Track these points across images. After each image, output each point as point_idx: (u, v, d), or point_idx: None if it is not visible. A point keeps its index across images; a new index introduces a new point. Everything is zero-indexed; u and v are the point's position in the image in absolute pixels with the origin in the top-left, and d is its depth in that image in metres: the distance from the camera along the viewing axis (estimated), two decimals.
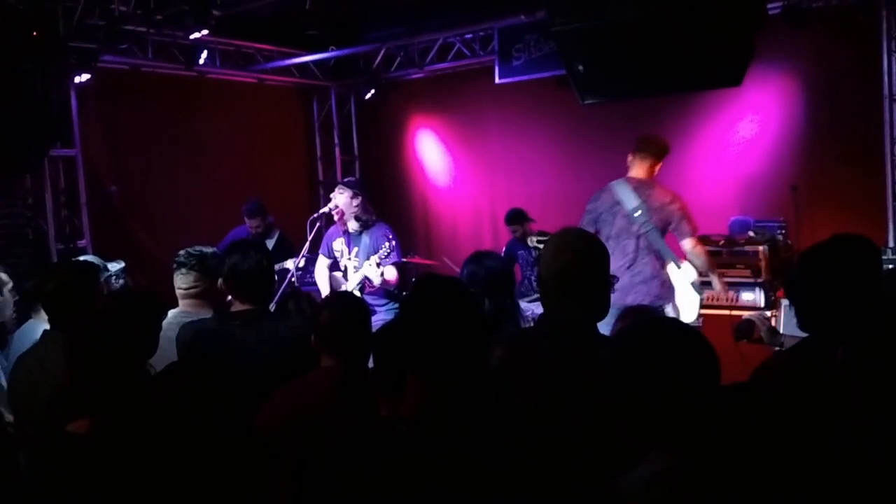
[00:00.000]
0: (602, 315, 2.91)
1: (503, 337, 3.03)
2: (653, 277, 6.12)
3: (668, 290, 6.22)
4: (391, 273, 6.54)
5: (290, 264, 7.52)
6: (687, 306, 6.33)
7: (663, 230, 6.17)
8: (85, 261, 4.75)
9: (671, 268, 6.26)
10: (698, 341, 2.03)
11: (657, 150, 6.31)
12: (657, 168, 6.33)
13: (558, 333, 2.77)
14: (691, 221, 6.20)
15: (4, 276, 4.82)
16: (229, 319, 3.94)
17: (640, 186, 6.18)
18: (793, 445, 1.76)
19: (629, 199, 6.12)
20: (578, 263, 2.82)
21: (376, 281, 6.41)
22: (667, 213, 6.14)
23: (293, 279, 7.16)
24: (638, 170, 6.28)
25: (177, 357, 3.80)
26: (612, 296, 2.96)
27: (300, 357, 3.53)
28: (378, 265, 6.37)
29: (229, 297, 4.03)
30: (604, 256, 2.91)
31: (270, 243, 8.50)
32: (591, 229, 6.14)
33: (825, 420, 2.27)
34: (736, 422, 1.86)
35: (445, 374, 2.18)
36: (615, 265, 6.29)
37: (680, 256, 6.31)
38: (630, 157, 6.34)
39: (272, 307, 5.03)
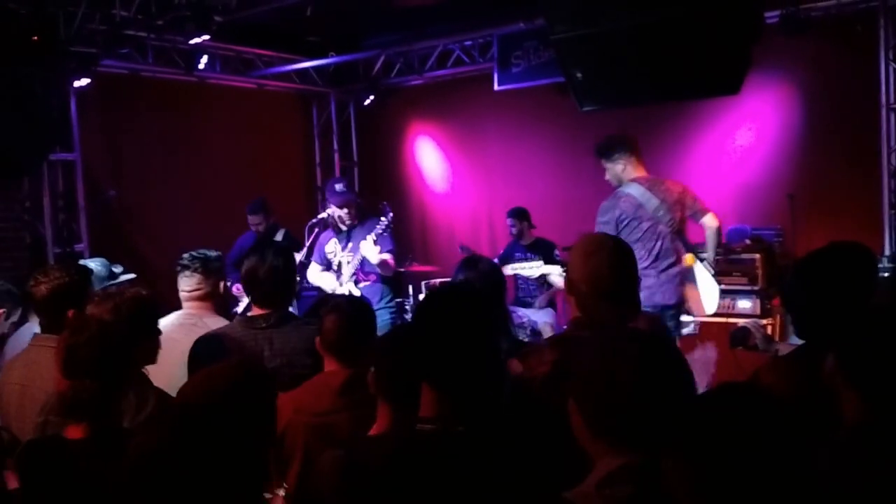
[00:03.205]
0: (635, 314, 2.95)
1: (551, 339, 3.03)
2: (677, 276, 6.16)
3: (686, 287, 6.27)
4: (387, 258, 6.59)
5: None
6: (709, 297, 6.38)
7: (684, 223, 6.25)
8: (79, 263, 4.74)
9: (692, 259, 6.32)
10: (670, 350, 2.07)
11: (631, 144, 6.34)
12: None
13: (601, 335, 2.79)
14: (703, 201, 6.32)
15: None
16: (251, 324, 3.89)
17: (652, 185, 6.20)
18: (778, 451, 1.76)
19: (648, 200, 6.13)
20: (611, 265, 2.86)
21: (374, 259, 6.43)
22: (683, 202, 6.21)
23: None
24: (634, 170, 6.29)
25: (177, 359, 3.78)
26: (641, 295, 3.00)
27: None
28: (375, 243, 6.39)
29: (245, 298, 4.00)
30: (632, 256, 2.97)
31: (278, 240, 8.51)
32: None
33: (813, 427, 2.27)
34: (719, 423, 1.85)
35: (461, 385, 2.17)
36: (641, 266, 6.34)
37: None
38: (619, 166, 6.31)
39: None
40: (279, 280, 3.94)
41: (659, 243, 6.10)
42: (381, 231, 6.45)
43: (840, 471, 2.03)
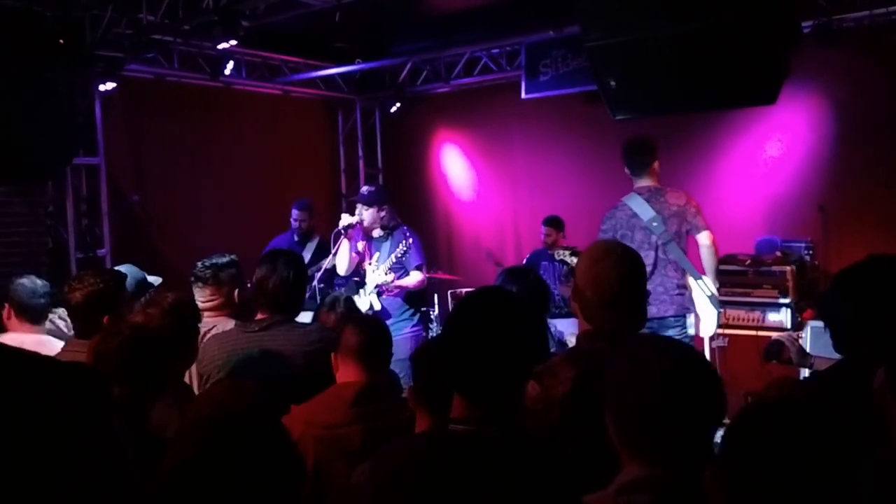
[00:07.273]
0: (642, 325, 2.87)
1: (564, 355, 2.94)
2: (675, 287, 6.10)
3: (689, 299, 6.17)
4: (414, 278, 6.61)
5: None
6: (706, 320, 6.24)
7: (682, 237, 6.15)
8: (113, 269, 4.70)
9: (690, 280, 6.19)
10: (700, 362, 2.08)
11: (650, 151, 6.29)
12: (657, 166, 6.30)
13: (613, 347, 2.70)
14: (704, 217, 6.17)
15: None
16: (243, 328, 3.95)
17: (652, 196, 6.17)
18: (824, 468, 1.70)
19: (644, 211, 6.11)
20: (616, 272, 2.75)
21: (389, 285, 6.49)
22: (682, 216, 6.12)
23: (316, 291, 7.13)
24: (643, 178, 6.26)
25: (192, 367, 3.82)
26: None
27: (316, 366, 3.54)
28: (389, 272, 6.43)
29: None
30: (641, 264, 2.87)
31: (311, 246, 8.56)
32: None
33: (862, 444, 2.19)
34: (761, 439, 1.80)
35: (488, 394, 2.11)
36: None
37: (697, 264, 6.24)
38: (628, 171, 6.34)
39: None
40: (287, 291, 3.99)
41: (652, 254, 6.04)
42: (401, 255, 6.47)
43: (887, 490, 1.96)
